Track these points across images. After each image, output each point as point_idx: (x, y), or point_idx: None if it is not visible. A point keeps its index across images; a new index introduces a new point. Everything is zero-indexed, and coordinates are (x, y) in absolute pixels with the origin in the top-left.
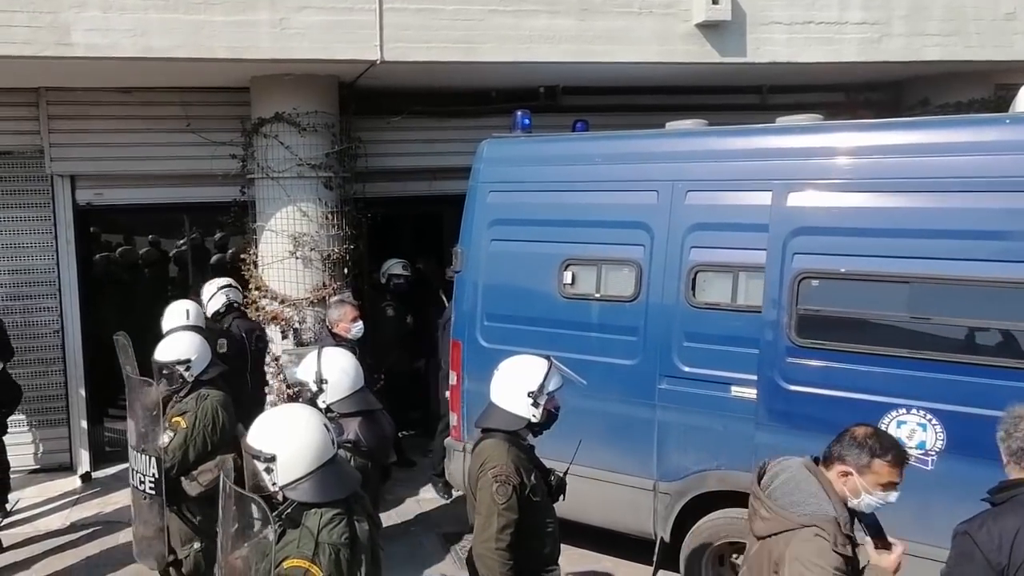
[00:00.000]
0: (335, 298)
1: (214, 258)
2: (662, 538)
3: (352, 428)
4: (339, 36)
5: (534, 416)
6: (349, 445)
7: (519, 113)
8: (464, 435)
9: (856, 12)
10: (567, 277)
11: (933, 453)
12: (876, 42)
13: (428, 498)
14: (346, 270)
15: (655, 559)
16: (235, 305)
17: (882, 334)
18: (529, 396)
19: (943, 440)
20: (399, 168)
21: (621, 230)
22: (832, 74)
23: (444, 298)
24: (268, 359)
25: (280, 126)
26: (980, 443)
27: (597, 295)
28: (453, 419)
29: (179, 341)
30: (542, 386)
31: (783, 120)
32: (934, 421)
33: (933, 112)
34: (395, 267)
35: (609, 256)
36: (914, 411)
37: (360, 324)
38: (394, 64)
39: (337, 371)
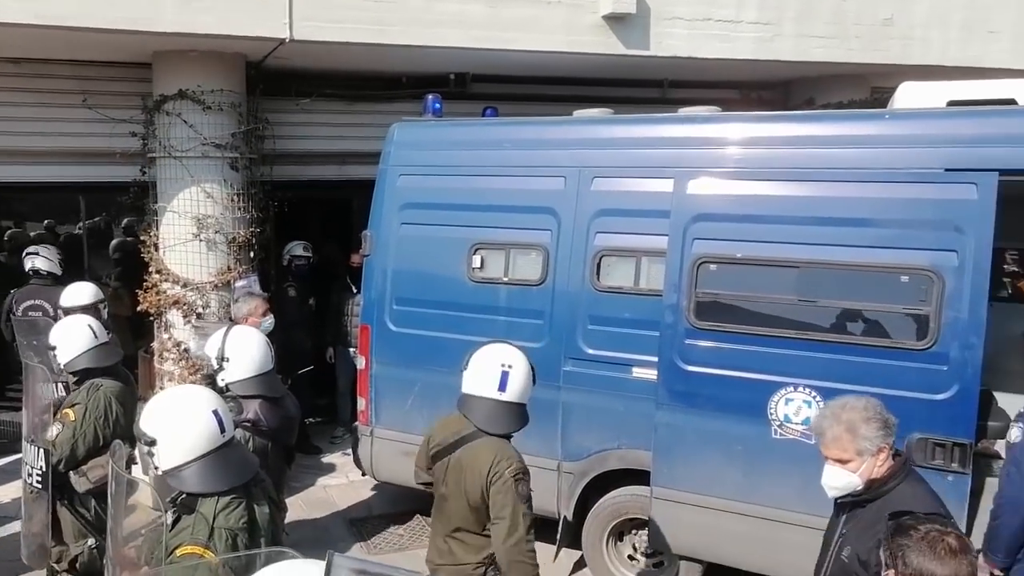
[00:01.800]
0: (240, 282)
1: (114, 242)
2: (565, 517)
3: (252, 408)
4: (247, 12)
5: None
6: (248, 425)
7: (430, 97)
8: (372, 420)
9: (751, 11)
10: (476, 261)
11: None
12: (769, 41)
13: (334, 484)
14: (252, 254)
15: (558, 538)
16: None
17: (772, 316)
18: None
19: None
20: (308, 151)
21: (529, 215)
22: (728, 71)
23: (351, 284)
24: (170, 344)
25: (184, 104)
26: None
27: (505, 279)
28: (361, 404)
29: (57, 326)
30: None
31: (685, 111)
32: (818, 398)
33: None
34: (296, 248)
35: (517, 240)
36: (800, 389)
37: (271, 318)
38: (304, 43)
39: (242, 351)
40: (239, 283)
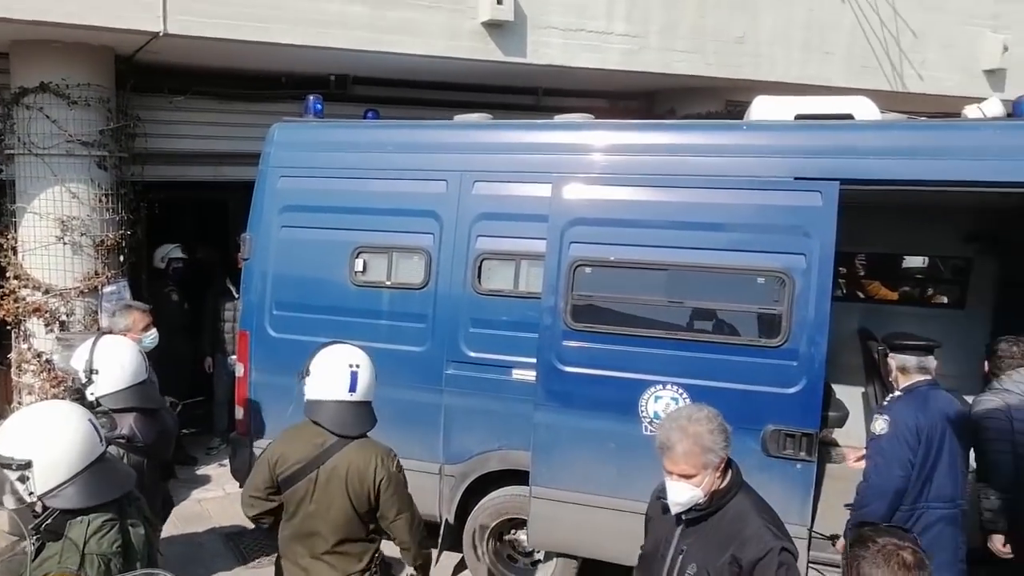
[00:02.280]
0: (108, 288)
1: None
2: (447, 520)
3: (127, 423)
4: (117, 2)
5: None
6: (122, 441)
7: (311, 98)
8: (251, 429)
9: (620, 24)
10: (359, 265)
11: None
12: (636, 53)
13: (210, 497)
14: (122, 258)
15: (440, 541)
16: None
17: (643, 317)
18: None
19: None
20: (183, 151)
21: (411, 218)
22: (598, 80)
23: (232, 288)
24: (29, 355)
25: (46, 97)
26: (723, 413)
27: (388, 283)
28: (239, 413)
29: None
30: None
31: (561, 117)
32: (684, 395)
33: None
34: (175, 251)
35: (400, 244)
36: (668, 386)
37: (154, 332)
38: (178, 38)
39: (112, 362)
40: (107, 289)
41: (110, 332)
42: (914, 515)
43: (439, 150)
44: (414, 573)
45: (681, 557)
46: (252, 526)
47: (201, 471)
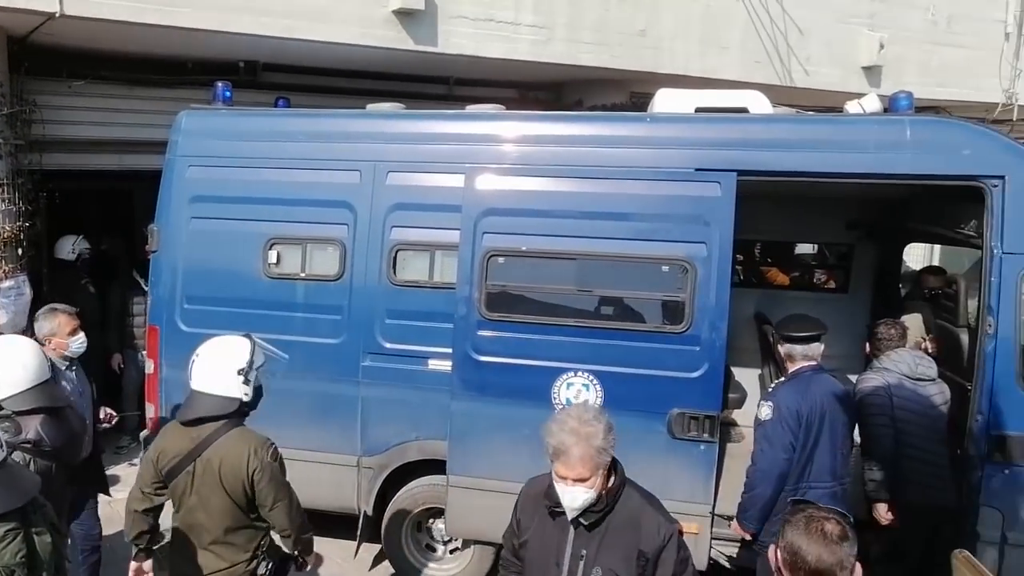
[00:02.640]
0: (6, 283)
1: None
2: (365, 512)
3: (32, 426)
4: None
5: (246, 395)
6: (28, 446)
7: (220, 85)
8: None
9: (528, 15)
10: (272, 256)
11: None
12: (544, 44)
13: (120, 498)
14: (20, 251)
15: (359, 534)
16: None
17: (554, 306)
18: (240, 374)
19: (602, 397)
20: (84, 138)
21: (325, 209)
22: (508, 71)
23: (140, 280)
24: None
25: None
26: (628, 397)
27: (302, 275)
28: (151, 410)
29: None
30: (251, 362)
31: (472, 108)
32: (595, 381)
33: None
34: (81, 241)
35: (314, 235)
36: (580, 373)
37: (81, 337)
38: (76, 20)
39: (12, 362)
40: (5, 284)
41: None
42: (797, 494)
43: (352, 140)
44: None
45: (582, 563)
46: (167, 526)
47: (111, 471)
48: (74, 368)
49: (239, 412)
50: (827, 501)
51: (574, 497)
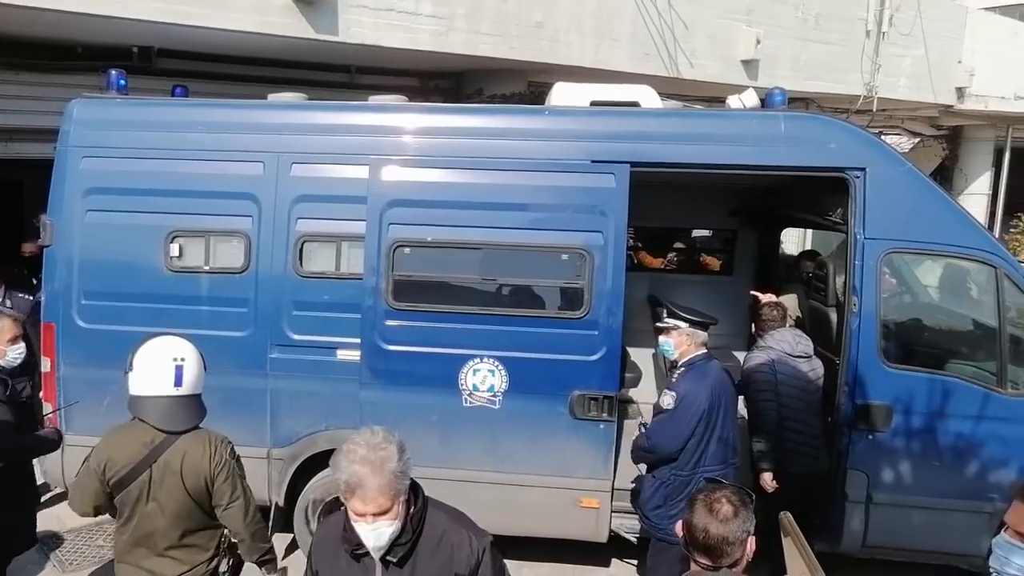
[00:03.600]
0: None
1: None
2: (277, 503)
3: None
4: None
5: None
6: None
7: (113, 72)
8: (62, 427)
9: (428, 5)
10: (174, 250)
11: (500, 394)
12: (444, 34)
13: None
14: None
15: (270, 524)
16: None
17: (459, 295)
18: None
19: (507, 382)
20: None
21: (229, 201)
22: (409, 60)
23: (30, 277)
24: None
25: None
26: (531, 382)
27: (206, 268)
28: (47, 409)
29: None
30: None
31: (375, 99)
32: (500, 367)
33: (486, 101)
34: None
35: (217, 227)
36: (485, 360)
37: (21, 347)
38: None
39: None
40: None
41: None
42: (693, 480)
43: (254, 131)
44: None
45: None
46: (69, 526)
47: None
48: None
49: None
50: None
51: (379, 535)
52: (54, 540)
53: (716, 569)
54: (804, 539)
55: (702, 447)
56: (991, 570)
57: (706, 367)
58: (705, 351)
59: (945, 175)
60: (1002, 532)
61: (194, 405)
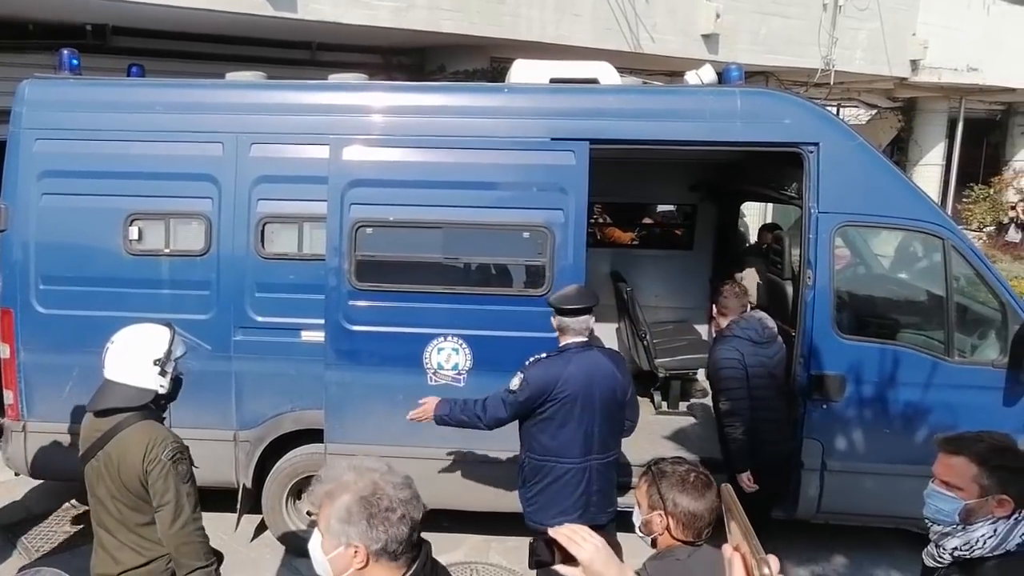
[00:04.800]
0: None
1: None
2: (244, 485)
3: None
4: None
5: (161, 387)
6: None
7: (65, 52)
8: (23, 413)
9: None
10: (133, 233)
11: (464, 372)
12: (405, 11)
13: None
14: None
15: (239, 507)
16: None
17: (423, 274)
18: (156, 364)
19: (471, 360)
20: None
21: (188, 182)
22: (370, 37)
23: None
24: None
25: None
26: (495, 360)
27: (167, 250)
28: (9, 397)
29: None
30: (169, 352)
31: (335, 78)
32: (464, 345)
33: (448, 77)
34: None
35: (177, 210)
36: (450, 338)
37: None
38: None
39: None
40: None
41: None
42: (587, 470)
43: (213, 111)
44: None
45: None
46: (35, 513)
47: None
48: None
49: (154, 404)
50: (610, 469)
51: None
52: (20, 526)
53: None
54: (740, 508)
55: (587, 436)
56: (925, 519)
57: (575, 356)
58: (583, 340)
59: (901, 146)
60: (930, 483)
61: (117, 391)
